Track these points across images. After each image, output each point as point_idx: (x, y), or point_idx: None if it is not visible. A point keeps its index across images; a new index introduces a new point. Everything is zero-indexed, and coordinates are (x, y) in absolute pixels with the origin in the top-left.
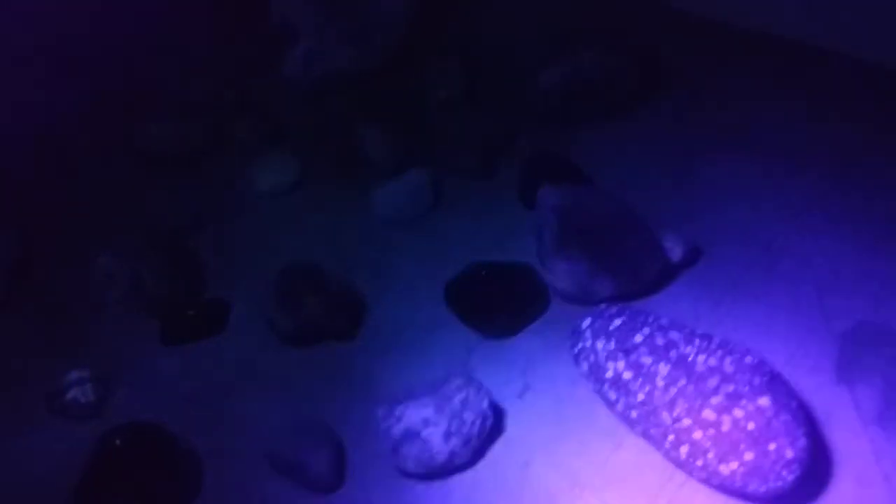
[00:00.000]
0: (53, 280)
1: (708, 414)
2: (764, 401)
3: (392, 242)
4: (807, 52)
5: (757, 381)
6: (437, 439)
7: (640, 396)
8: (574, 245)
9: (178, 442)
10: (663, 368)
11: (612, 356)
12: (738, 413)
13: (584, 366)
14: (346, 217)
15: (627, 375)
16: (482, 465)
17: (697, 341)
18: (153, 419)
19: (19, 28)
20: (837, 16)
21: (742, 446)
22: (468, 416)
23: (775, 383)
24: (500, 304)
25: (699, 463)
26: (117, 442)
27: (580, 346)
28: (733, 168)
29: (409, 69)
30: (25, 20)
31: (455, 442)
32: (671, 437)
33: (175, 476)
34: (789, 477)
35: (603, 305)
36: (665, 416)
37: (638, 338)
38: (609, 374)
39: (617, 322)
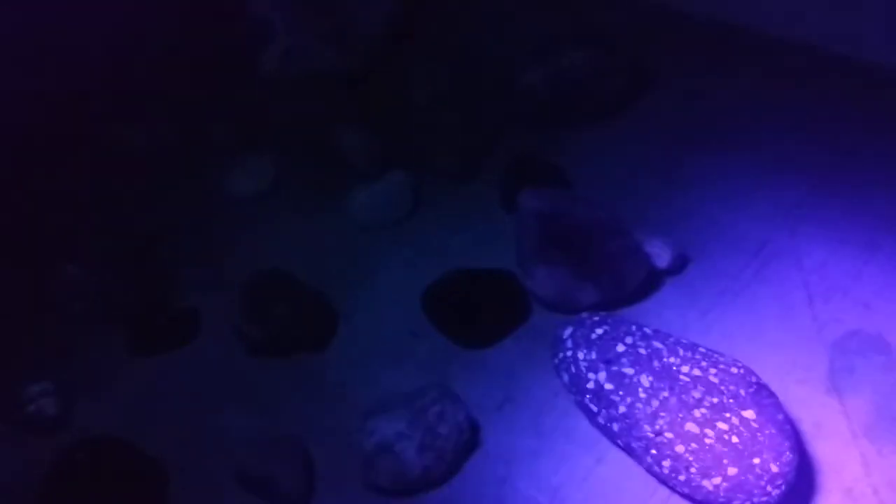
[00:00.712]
0: (18, 290)
1: (691, 427)
2: (749, 413)
3: (369, 248)
4: (799, 53)
5: (743, 392)
6: (411, 453)
7: (622, 408)
8: (555, 251)
9: (142, 456)
10: (646, 379)
11: (593, 367)
12: (723, 426)
13: (565, 377)
14: (322, 221)
15: (609, 387)
16: (458, 481)
17: (682, 351)
18: (118, 432)
19: None
20: (830, 15)
21: (726, 461)
22: (443, 430)
23: (762, 395)
24: (480, 313)
25: (682, 478)
26: (79, 455)
27: (561, 356)
28: (722, 172)
29: (389, 70)
30: None
31: (429, 456)
32: (653, 451)
33: (138, 491)
34: (774, 492)
35: (585, 314)
36: (647, 429)
37: (620, 347)
38: (590, 385)
39: (599, 331)
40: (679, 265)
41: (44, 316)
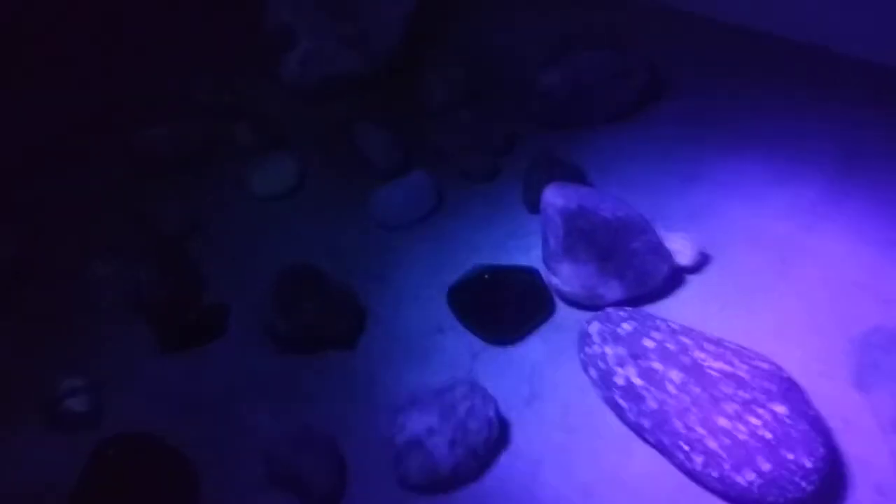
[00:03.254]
0: (51, 286)
1: (723, 422)
2: (780, 408)
3: (393, 246)
4: (816, 54)
5: (773, 387)
6: (442, 449)
7: (652, 404)
8: (579, 248)
9: (173, 452)
10: (675, 375)
11: (621, 362)
12: (755, 421)
13: (593, 372)
14: (346, 221)
15: (638, 382)
16: (488, 477)
17: (710, 346)
18: (150, 428)
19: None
20: (847, 18)
21: (759, 456)
22: (473, 425)
23: (791, 390)
24: (505, 309)
25: (715, 474)
26: (110, 453)
27: (588, 351)
28: (742, 170)
29: (409, 72)
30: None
31: (460, 452)
32: (685, 447)
33: (170, 488)
34: (808, 487)
35: (611, 309)
36: (678, 425)
37: (648, 343)
38: (619, 380)
39: (626, 327)
40: (701, 262)
41: (75, 313)
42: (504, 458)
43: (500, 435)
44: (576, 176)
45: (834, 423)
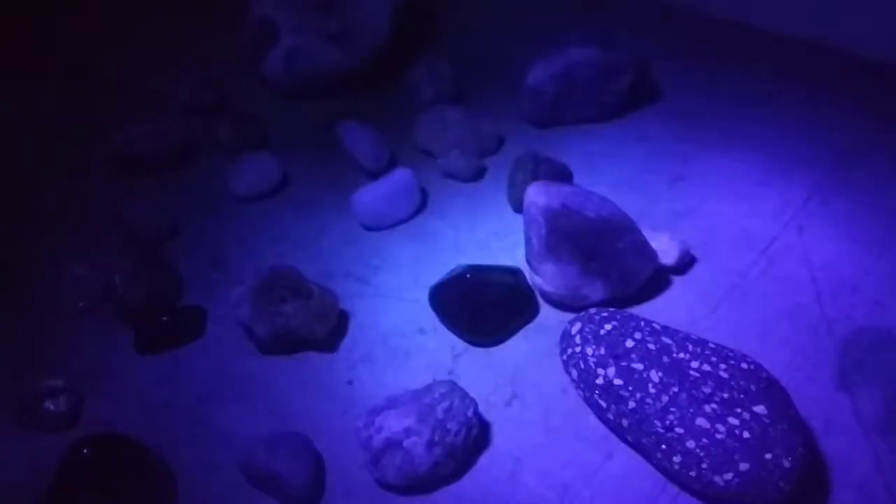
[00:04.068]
0: (27, 287)
1: (702, 422)
2: (760, 409)
3: (377, 246)
4: (806, 50)
5: (753, 387)
6: (420, 449)
7: (632, 404)
8: (563, 247)
9: (150, 453)
10: (655, 375)
11: (602, 362)
12: (734, 421)
13: (574, 372)
14: (329, 221)
15: (618, 382)
16: (467, 477)
17: (691, 346)
18: (126, 429)
19: None
20: (841, 14)
21: (737, 456)
22: (452, 426)
23: (773, 390)
24: (488, 310)
25: (693, 473)
26: (86, 452)
27: (569, 351)
28: (729, 169)
29: (395, 69)
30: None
31: (438, 452)
32: (664, 447)
33: (146, 488)
34: (787, 488)
35: (593, 310)
36: (657, 425)
37: (629, 343)
38: (599, 380)
39: (608, 327)
40: (686, 262)
41: (52, 314)
42: (483, 459)
43: (479, 435)
44: (561, 174)
45: (815, 423)
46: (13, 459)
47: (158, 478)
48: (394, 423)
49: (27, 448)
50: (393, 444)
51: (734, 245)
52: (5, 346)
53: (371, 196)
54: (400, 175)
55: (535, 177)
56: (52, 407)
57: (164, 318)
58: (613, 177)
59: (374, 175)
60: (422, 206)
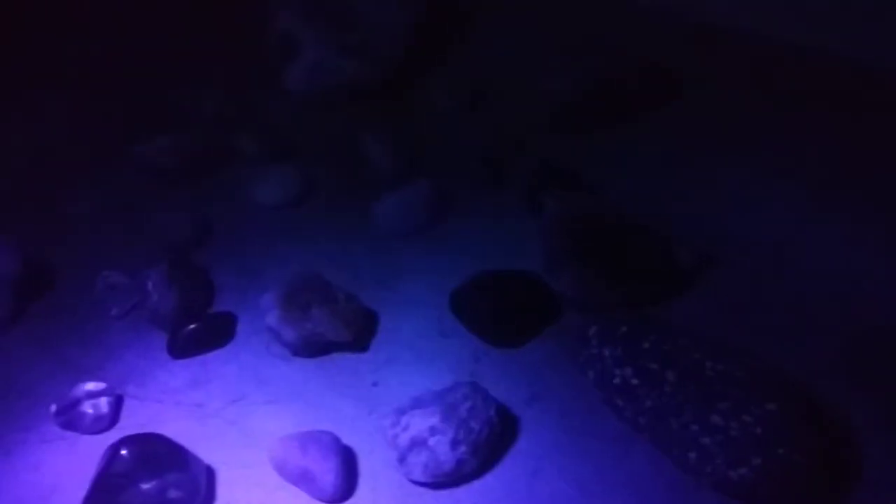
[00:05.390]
0: (63, 295)
1: (716, 419)
2: (773, 406)
3: (398, 253)
4: (818, 59)
5: (766, 386)
6: (445, 447)
7: (648, 403)
8: (580, 253)
9: (188, 452)
10: (671, 374)
11: (619, 363)
12: (747, 418)
13: (591, 374)
14: (351, 229)
15: (635, 382)
16: (491, 474)
17: (706, 347)
18: (163, 430)
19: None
20: (853, 25)
21: (751, 451)
22: (475, 425)
23: (785, 388)
24: (507, 314)
25: (708, 468)
26: (124, 452)
27: (587, 353)
28: (743, 175)
29: (414, 80)
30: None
31: (463, 450)
32: (680, 444)
33: (184, 488)
34: (799, 482)
35: (610, 313)
36: (673, 423)
37: (645, 344)
38: (616, 381)
39: (624, 329)
40: (701, 265)
41: (88, 321)
42: (506, 457)
43: (501, 433)
44: (577, 181)
45: (828, 420)
46: (54, 460)
47: (197, 476)
48: (419, 422)
49: (67, 449)
50: (419, 443)
51: (747, 249)
52: (44, 351)
53: (392, 205)
54: (420, 184)
55: (552, 184)
56: (90, 409)
57: (196, 324)
58: (629, 182)
59: (394, 184)
60: (441, 214)
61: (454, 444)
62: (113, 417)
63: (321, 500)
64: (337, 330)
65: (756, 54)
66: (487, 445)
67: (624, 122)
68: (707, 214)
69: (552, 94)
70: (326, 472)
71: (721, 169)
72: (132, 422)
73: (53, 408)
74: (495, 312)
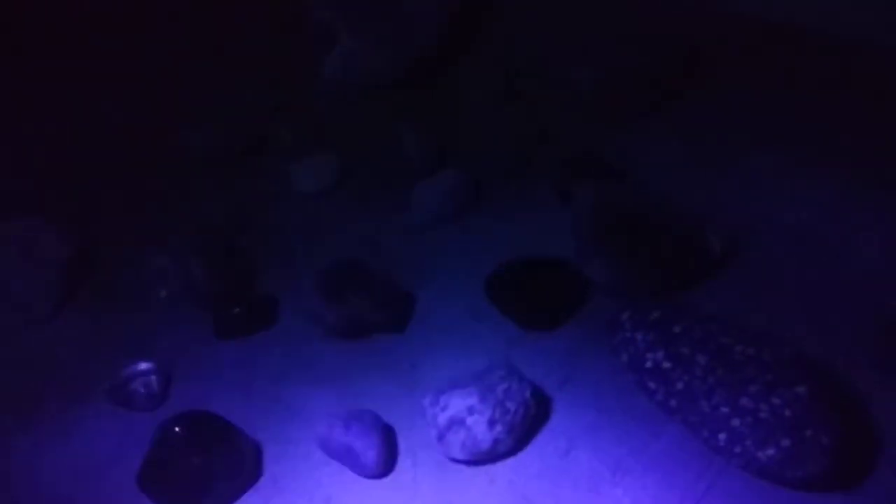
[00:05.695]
0: (112, 278)
1: (745, 402)
2: (802, 389)
3: (433, 239)
4: (853, 48)
5: (795, 370)
6: (482, 427)
7: (679, 385)
8: (612, 240)
9: (236, 429)
10: (702, 358)
11: (651, 347)
12: (776, 401)
13: (624, 357)
14: (386, 216)
15: (667, 365)
16: (525, 453)
17: (736, 332)
18: (211, 408)
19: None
20: (886, 9)
21: (779, 433)
22: (511, 405)
23: (813, 372)
24: (541, 299)
25: (737, 449)
26: (177, 429)
27: (619, 337)
28: (773, 163)
29: (446, 70)
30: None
31: (499, 429)
32: (710, 425)
33: (234, 462)
34: (826, 462)
35: (642, 298)
36: (704, 405)
37: (676, 329)
38: (648, 364)
39: (656, 314)
40: (731, 252)
41: (136, 305)
42: (540, 437)
43: (536, 414)
44: (609, 170)
45: (855, 404)
46: (108, 435)
47: (244, 451)
48: (458, 403)
49: (121, 424)
50: (457, 422)
51: (777, 237)
52: (96, 331)
53: (427, 193)
54: (452, 173)
55: (583, 172)
56: (142, 388)
57: (240, 307)
58: (660, 170)
59: (427, 173)
60: (474, 202)
61: (491, 423)
62: (163, 395)
63: (363, 475)
64: (375, 312)
65: (788, 43)
66: (523, 425)
67: (655, 111)
68: (737, 202)
69: (584, 84)
70: (368, 449)
71: (752, 158)
72: (181, 399)
73: (107, 385)
74: (529, 298)
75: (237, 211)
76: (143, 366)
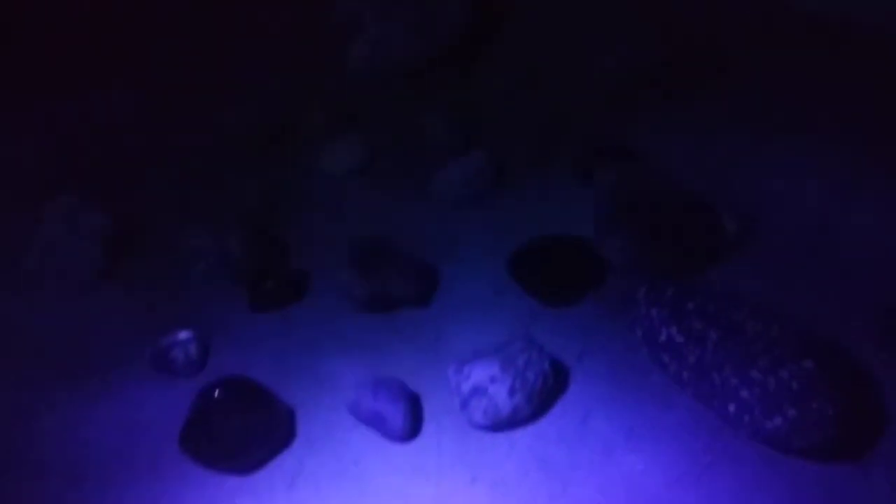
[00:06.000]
0: (152, 254)
1: (755, 374)
2: (808, 363)
3: (456, 220)
4: (868, 39)
5: (802, 345)
6: (503, 395)
7: (692, 359)
8: (630, 221)
9: (271, 394)
10: (713, 333)
11: (665, 322)
12: (784, 374)
13: (639, 332)
14: (412, 196)
15: (679, 340)
16: (544, 420)
17: (747, 309)
18: (248, 375)
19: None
20: None
21: (786, 404)
22: (531, 375)
23: (820, 348)
24: (561, 276)
25: (746, 419)
26: (216, 393)
27: (635, 313)
28: (789, 148)
29: (470, 56)
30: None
31: (519, 398)
32: (720, 396)
33: (270, 425)
34: (830, 432)
35: (657, 276)
36: (714, 377)
37: (690, 305)
38: (662, 338)
39: (670, 291)
40: (745, 234)
41: (174, 280)
42: (558, 406)
43: (554, 385)
44: (628, 153)
45: (860, 378)
46: (151, 397)
47: (279, 415)
48: (480, 372)
49: (162, 389)
50: (479, 390)
51: (791, 219)
52: (138, 302)
53: (451, 174)
54: (476, 155)
55: (603, 156)
56: (182, 355)
57: (273, 281)
58: (678, 154)
59: (452, 155)
60: (497, 183)
61: (511, 392)
62: (201, 363)
63: (391, 439)
64: (401, 288)
65: (806, 31)
66: (541, 394)
67: (675, 97)
68: (752, 186)
69: (606, 71)
70: (395, 414)
71: (767, 143)
72: (219, 367)
73: (148, 353)
74: (549, 274)
75: (270, 191)
76: (183, 335)
